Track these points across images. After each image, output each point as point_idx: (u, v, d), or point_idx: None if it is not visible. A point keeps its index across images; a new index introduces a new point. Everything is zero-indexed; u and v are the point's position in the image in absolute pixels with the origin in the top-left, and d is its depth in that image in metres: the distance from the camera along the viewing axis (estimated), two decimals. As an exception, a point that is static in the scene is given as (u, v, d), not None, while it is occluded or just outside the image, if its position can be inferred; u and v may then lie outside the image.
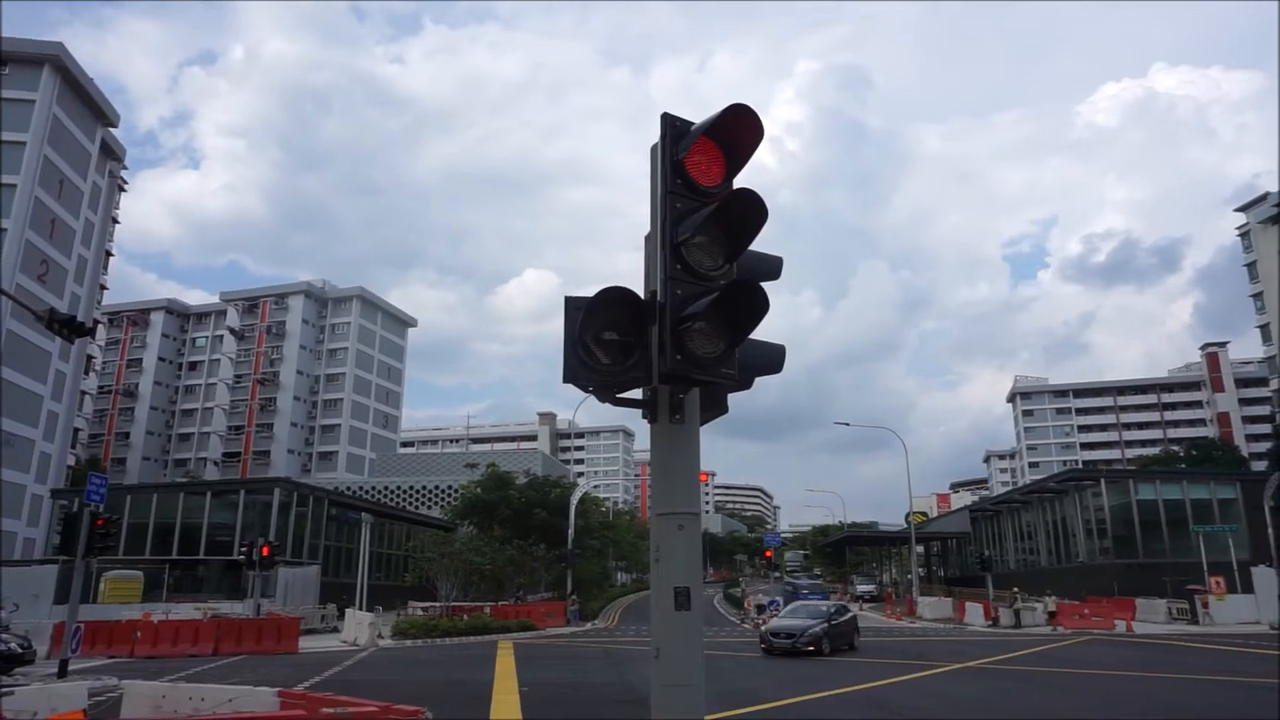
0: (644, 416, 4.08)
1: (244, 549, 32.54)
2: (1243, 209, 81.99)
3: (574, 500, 47.72)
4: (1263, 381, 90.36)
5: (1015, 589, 43.65)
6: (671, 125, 4.00)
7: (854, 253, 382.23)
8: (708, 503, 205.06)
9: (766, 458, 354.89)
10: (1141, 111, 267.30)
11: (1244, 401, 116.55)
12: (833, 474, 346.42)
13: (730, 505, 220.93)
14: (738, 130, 3.90)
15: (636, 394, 4.11)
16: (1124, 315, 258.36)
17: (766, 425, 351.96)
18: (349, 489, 75.89)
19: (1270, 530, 37.48)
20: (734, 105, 3.79)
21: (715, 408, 4.23)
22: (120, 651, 25.41)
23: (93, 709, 11.37)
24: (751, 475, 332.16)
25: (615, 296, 3.71)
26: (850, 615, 28.50)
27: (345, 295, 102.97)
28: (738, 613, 49.69)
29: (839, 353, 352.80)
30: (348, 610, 33.74)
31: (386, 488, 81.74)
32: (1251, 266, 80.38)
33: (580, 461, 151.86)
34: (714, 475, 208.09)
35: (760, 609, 43.84)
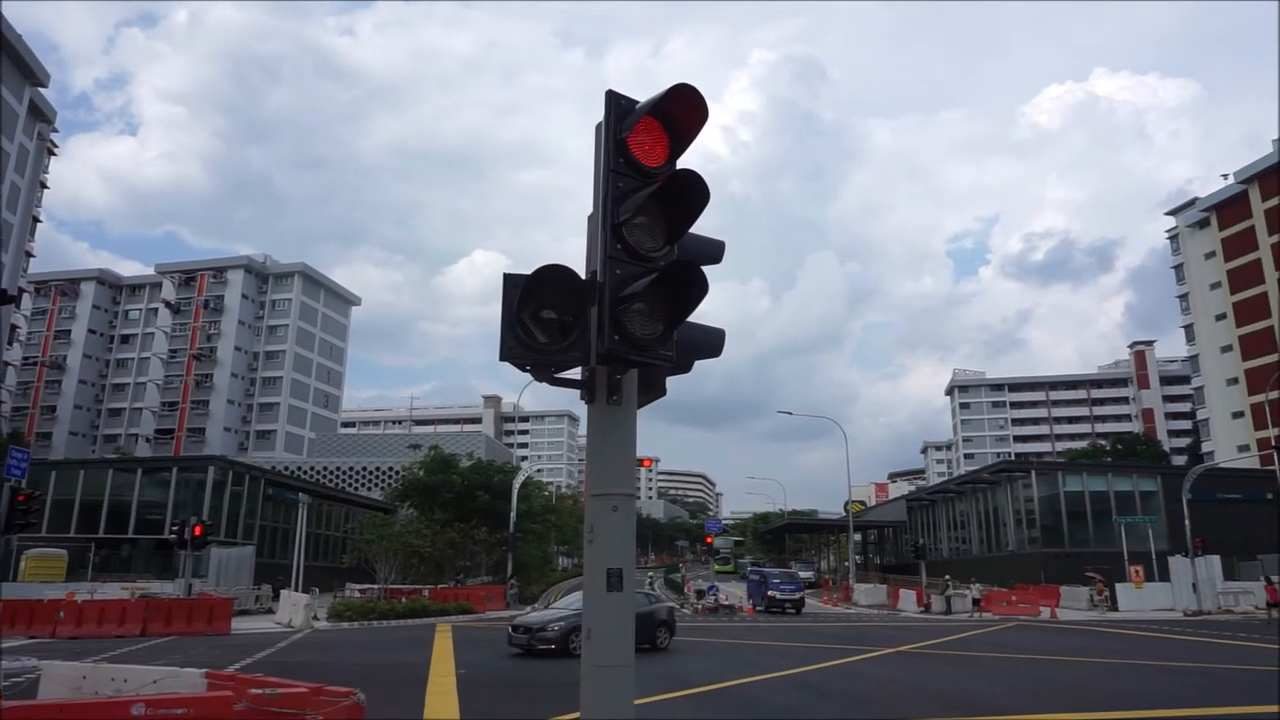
0: (582, 397, 4.06)
1: (175, 528, 31.71)
2: (1173, 213, 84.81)
3: (516, 484, 47.51)
4: (1185, 380, 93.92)
5: (947, 577, 44.83)
6: (616, 104, 3.96)
7: (803, 244, 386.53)
8: (651, 489, 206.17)
9: (711, 445, 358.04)
10: (1082, 114, 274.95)
11: (1167, 398, 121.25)
12: (776, 462, 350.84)
13: (673, 491, 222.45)
14: (682, 111, 3.88)
15: (575, 374, 4.09)
16: (1059, 312, 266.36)
17: (712, 412, 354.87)
18: (287, 468, 74.46)
19: (1187, 522, 39.11)
20: (678, 85, 3.77)
21: (653, 390, 4.23)
22: (41, 632, 24.57)
23: (8, 690, 10.99)
24: (695, 462, 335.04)
25: (554, 275, 3.67)
26: (657, 608, 23.23)
27: (287, 271, 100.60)
28: (678, 598, 50.12)
29: (785, 342, 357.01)
30: (283, 592, 33.17)
31: (326, 468, 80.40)
32: (1179, 269, 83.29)
33: (525, 445, 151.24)
34: (658, 461, 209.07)
35: (700, 594, 44.29)
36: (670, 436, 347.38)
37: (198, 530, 30.87)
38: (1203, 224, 78.56)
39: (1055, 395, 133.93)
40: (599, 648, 3.79)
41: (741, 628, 30.75)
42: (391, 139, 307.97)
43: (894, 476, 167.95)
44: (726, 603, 42.33)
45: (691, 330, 4.26)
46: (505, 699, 14.14)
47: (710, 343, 4.36)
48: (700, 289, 3.61)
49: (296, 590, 32.61)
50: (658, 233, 3.88)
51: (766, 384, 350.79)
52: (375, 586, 38.40)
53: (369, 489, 76.28)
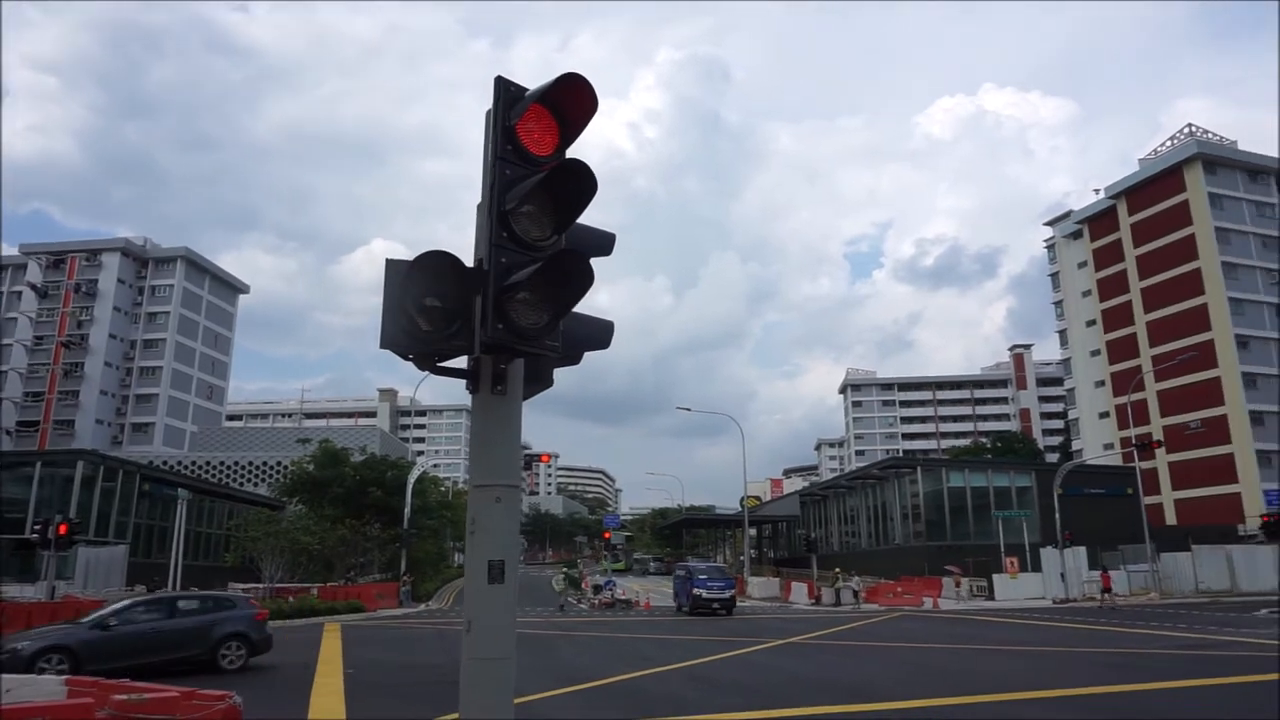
0: (468, 388, 4.00)
1: (38, 527, 29.71)
2: (1050, 224, 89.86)
3: (411, 479, 46.54)
4: (1059, 381, 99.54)
5: (837, 569, 46.26)
6: (506, 90, 3.90)
7: (706, 242, 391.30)
8: (550, 485, 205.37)
9: (611, 441, 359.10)
10: (971, 127, 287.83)
11: (1043, 399, 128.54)
12: (675, 458, 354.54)
13: (572, 487, 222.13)
14: (571, 101, 3.85)
15: (461, 364, 4.01)
16: (947, 315, 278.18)
17: (613, 408, 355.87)
18: (166, 463, 70.88)
19: (1057, 515, 41.53)
20: (568, 74, 3.74)
21: (540, 381, 4.19)
22: (-119, 640, 22.63)
23: None
24: (596, 458, 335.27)
25: (437, 261, 3.59)
26: (221, 616, 17.33)
27: (169, 255, 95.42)
28: (575, 593, 50.12)
29: (687, 340, 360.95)
30: (158, 592, 31.52)
31: (209, 463, 76.89)
32: (1055, 277, 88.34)
33: (421, 440, 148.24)
34: (557, 457, 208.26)
35: (597, 589, 44.40)
36: (571, 432, 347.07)
37: (62, 529, 28.98)
38: (1076, 235, 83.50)
39: (941, 395, 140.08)
40: (480, 641, 3.74)
41: (637, 622, 30.99)
42: (286, 121, 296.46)
43: (789, 472, 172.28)
44: (624, 597, 42.55)
45: (580, 322, 4.25)
46: (395, 698, 13.83)
47: (598, 335, 4.36)
48: (585, 280, 3.60)
49: (174, 591, 31.06)
50: (545, 222, 3.84)
51: (668, 380, 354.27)
52: (260, 586, 36.99)
53: (255, 485, 73.31)
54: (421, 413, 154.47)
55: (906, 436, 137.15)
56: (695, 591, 35.00)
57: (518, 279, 3.60)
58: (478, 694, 3.72)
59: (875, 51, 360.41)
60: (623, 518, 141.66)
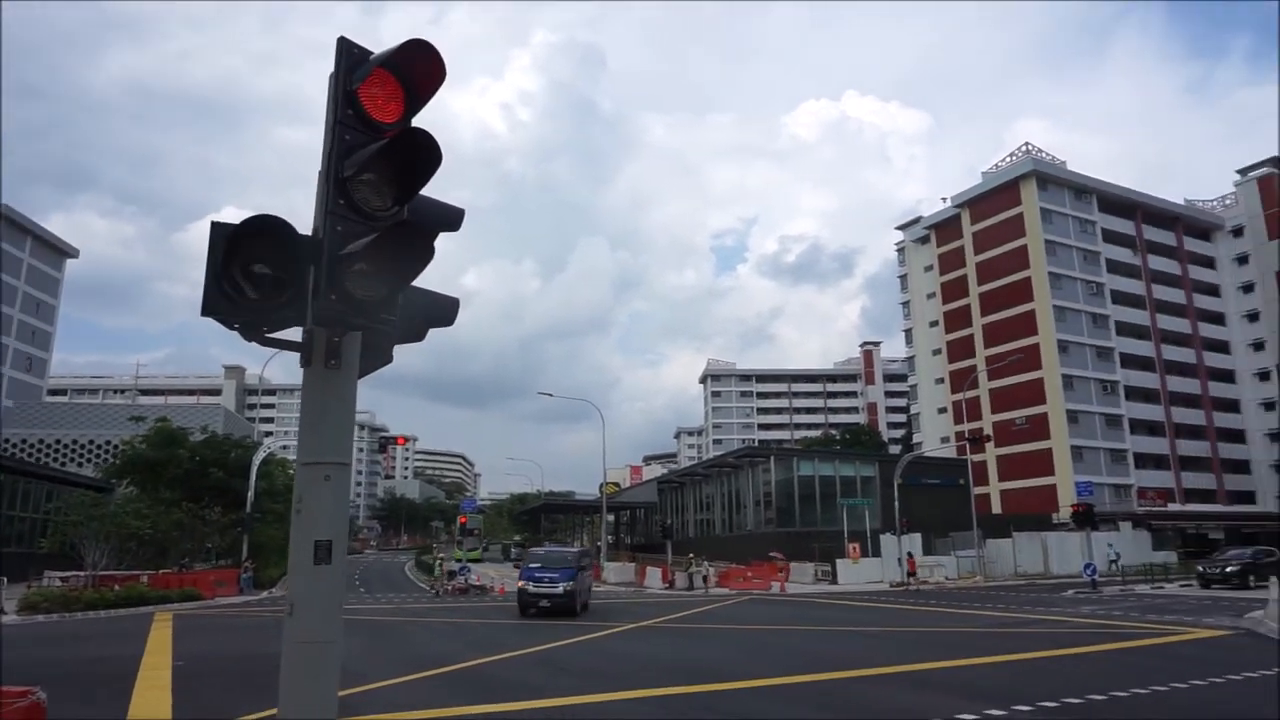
0: (301, 362, 3.82)
1: None
2: (901, 228, 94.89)
3: (257, 460, 44.24)
4: (903, 378, 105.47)
5: (691, 555, 47.35)
6: (348, 52, 3.74)
7: (577, 228, 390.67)
8: (408, 468, 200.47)
9: (473, 424, 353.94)
10: (835, 131, 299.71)
11: (889, 394, 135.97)
12: (538, 444, 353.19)
13: (430, 471, 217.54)
14: (417, 67, 3.72)
15: (295, 336, 3.83)
16: (806, 311, 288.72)
17: (475, 392, 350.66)
18: (-26, 440, 64.55)
19: (896, 504, 44.02)
20: (414, 40, 3.62)
21: (378, 356, 4.06)
22: None
23: None
24: (456, 442, 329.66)
25: (267, 225, 3.41)
26: None
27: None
28: (429, 579, 49.13)
29: (554, 325, 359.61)
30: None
31: (26, 440, 70.55)
32: (904, 279, 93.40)
33: (270, 420, 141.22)
34: (415, 440, 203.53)
35: (452, 575, 43.68)
36: (431, 415, 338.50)
37: None
38: (924, 240, 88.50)
39: (796, 387, 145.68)
40: (302, 623, 3.61)
41: (491, 608, 30.70)
42: (128, 75, 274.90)
43: (649, 460, 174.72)
44: (479, 583, 42.04)
45: (423, 297, 4.15)
46: (227, 691, 13.15)
47: (442, 312, 4.26)
48: (425, 253, 3.50)
49: (-22, 579, 28.34)
50: (386, 192, 3.70)
51: (534, 365, 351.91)
52: (82, 574, 34.26)
53: (80, 465, 67.85)
54: (271, 391, 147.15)
55: (763, 427, 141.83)
56: (520, 584, 27.55)
57: (354, 249, 3.46)
58: (299, 680, 3.59)
59: (748, 51, 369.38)
60: (481, 503, 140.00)
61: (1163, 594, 33.73)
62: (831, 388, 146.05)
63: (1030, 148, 79.24)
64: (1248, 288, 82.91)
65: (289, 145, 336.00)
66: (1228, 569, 35.37)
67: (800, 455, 62.83)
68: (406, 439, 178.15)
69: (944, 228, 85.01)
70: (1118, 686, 12.01)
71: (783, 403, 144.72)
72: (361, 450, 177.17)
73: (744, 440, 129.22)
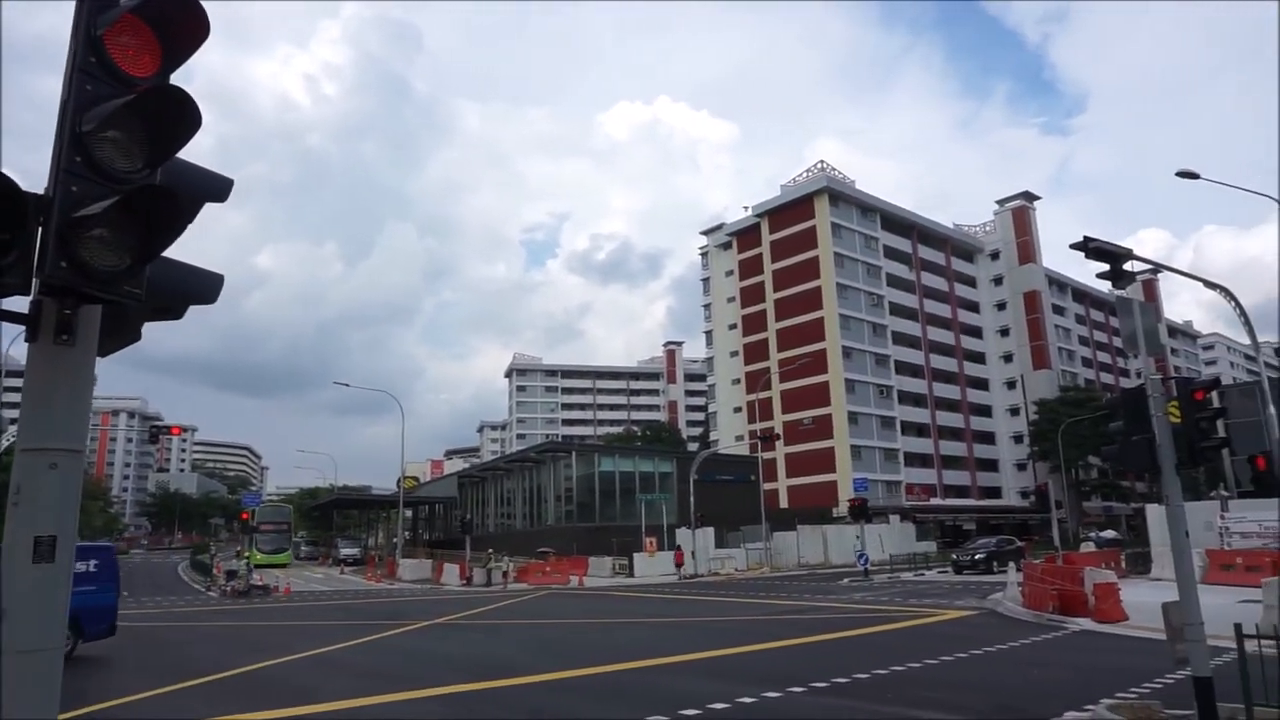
0: (26, 338, 3.39)
1: None
2: (706, 233, 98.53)
3: (-2, 451, 39.19)
4: (703, 378, 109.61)
5: (490, 550, 46.87)
6: (94, -9, 3.34)
7: (383, 212, 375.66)
8: (184, 461, 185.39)
9: (263, 415, 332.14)
10: (648, 133, 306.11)
11: (689, 393, 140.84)
12: (334, 435, 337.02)
13: (211, 464, 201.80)
14: (176, 18, 3.39)
15: (19, 306, 3.39)
16: (615, 309, 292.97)
17: (265, 380, 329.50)
18: None
19: (692, 499, 45.66)
20: (174, -13, 3.30)
21: (124, 334, 3.67)
22: None
23: None
24: (242, 433, 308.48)
25: (-18, 179, 2.98)
26: None
27: None
28: (205, 580, 45.57)
29: (356, 312, 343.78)
30: None
31: None
32: (706, 282, 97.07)
33: (15, 406, 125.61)
34: (194, 430, 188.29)
35: (230, 574, 40.81)
36: (214, 404, 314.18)
37: None
38: (727, 246, 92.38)
39: (600, 384, 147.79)
40: (20, 630, 3.19)
41: (276, 609, 28.92)
42: None
43: (451, 454, 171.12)
44: (260, 583, 39.47)
45: (180, 270, 3.78)
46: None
47: (203, 288, 3.90)
48: (177, 221, 3.19)
49: None
50: (136, 153, 3.33)
51: (332, 353, 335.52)
52: None
53: None
54: (17, 374, 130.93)
55: (567, 422, 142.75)
56: None
57: (91, 212, 3.10)
58: (18, 693, 3.17)
59: (567, 46, 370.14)
60: (268, 497, 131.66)
61: (924, 580, 37.15)
62: (635, 385, 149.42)
63: (825, 165, 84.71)
64: (1001, 305, 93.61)
65: (48, 97, 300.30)
66: (975, 556, 39.61)
67: (602, 451, 63.80)
68: (183, 429, 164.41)
69: (745, 235, 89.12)
70: (881, 665, 13.09)
71: (587, 399, 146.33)
72: (131, 441, 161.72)
73: (548, 435, 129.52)
